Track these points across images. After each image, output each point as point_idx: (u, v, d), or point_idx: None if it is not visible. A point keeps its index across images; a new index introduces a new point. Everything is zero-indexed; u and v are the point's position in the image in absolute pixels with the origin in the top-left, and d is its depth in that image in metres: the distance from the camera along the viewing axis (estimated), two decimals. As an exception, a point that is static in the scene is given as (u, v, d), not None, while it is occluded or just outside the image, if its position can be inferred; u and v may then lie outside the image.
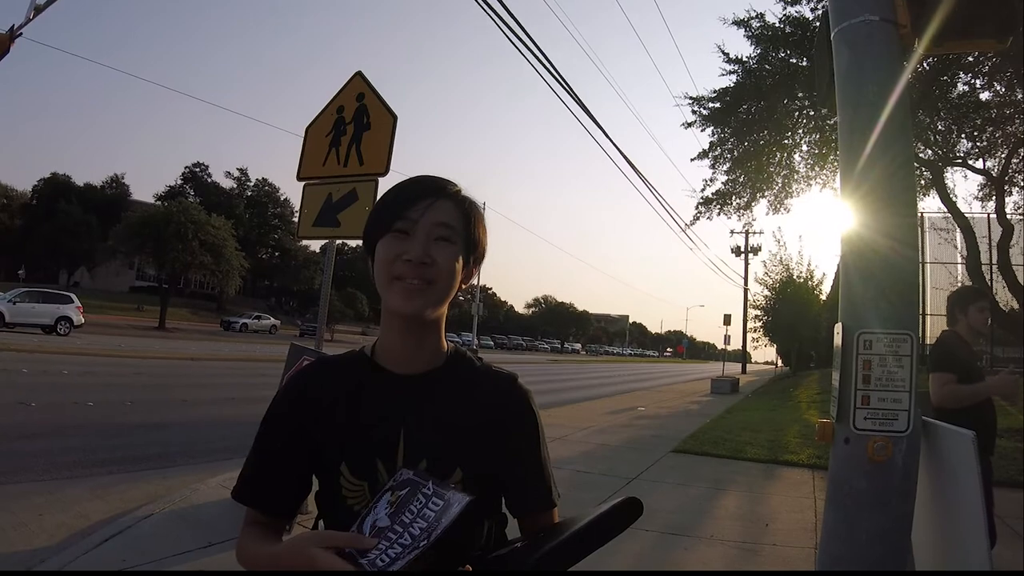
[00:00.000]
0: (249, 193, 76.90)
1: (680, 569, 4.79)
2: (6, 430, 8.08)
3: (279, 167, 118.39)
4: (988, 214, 14.57)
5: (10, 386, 11.23)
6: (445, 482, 1.11)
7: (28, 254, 56.64)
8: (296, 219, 5.93)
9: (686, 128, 14.58)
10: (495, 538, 1.32)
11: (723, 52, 13.38)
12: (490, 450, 1.27)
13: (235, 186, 76.22)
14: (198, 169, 74.41)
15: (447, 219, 1.25)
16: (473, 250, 1.32)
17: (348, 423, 1.25)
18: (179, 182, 72.73)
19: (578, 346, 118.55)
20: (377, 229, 1.27)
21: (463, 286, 1.33)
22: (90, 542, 4.53)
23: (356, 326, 60.36)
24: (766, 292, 38.15)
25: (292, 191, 78.05)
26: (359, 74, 5.57)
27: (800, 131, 13.95)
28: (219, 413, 11.16)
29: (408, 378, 1.29)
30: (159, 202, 57.69)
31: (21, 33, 6.98)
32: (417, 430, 1.24)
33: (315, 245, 64.89)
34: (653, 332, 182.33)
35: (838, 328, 2.81)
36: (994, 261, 13.42)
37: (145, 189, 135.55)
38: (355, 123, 5.42)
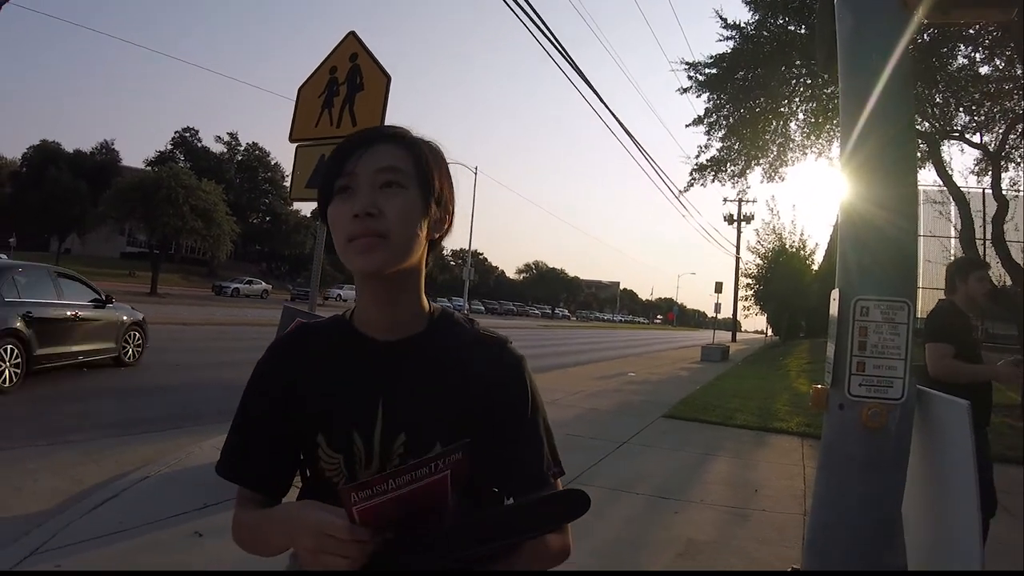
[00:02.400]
0: (240, 158, 76.04)
1: (671, 532, 4.84)
2: (2, 396, 8.08)
3: (270, 131, 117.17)
4: (983, 189, 14.53)
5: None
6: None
7: (18, 221, 56.11)
8: (287, 183, 5.89)
9: (682, 93, 14.49)
10: None
11: (721, 17, 13.24)
12: (476, 422, 1.17)
13: (225, 151, 75.28)
14: (188, 134, 73.45)
15: (390, 162, 1.14)
16: (431, 194, 1.17)
17: (326, 393, 1.18)
18: (169, 147, 71.77)
19: (566, 311, 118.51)
20: (325, 197, 1.17)
21: (437, 236, 1.22)
22: (86, 505, 4.53)
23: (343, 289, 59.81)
24: (758, 261, 38.28)
25: (283, 156, 77.45)
26: (352, 34, 5.50)
27: (797, 99, 13.88)
28: (212, 377, 11.14)
29: (388, 344, 1.19)
30: (149, 167, 57.05)
31: (9, -1, 6.84)
32: (396, 402, 1.16)
33: (306, 210, 64.61)
34: (644, 299, 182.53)
35: (835, 294, 2.81)
36: (988, 236, 13.43)
37: (135, 155, 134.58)
38: (348, 84, 5.36)
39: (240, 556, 1.28)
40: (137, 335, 12.02)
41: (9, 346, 8.60)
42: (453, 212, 1.26)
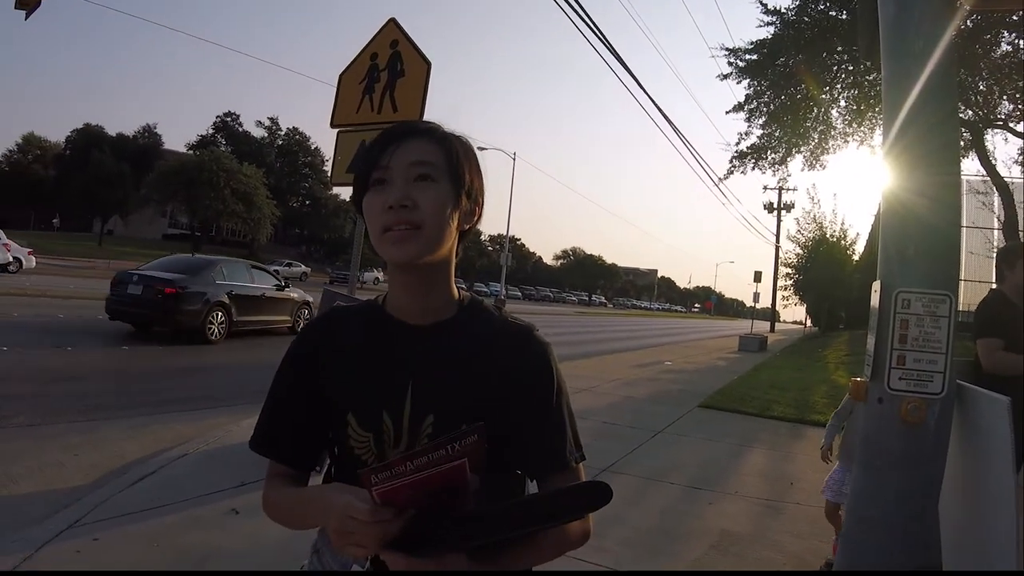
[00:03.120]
0: (280, 142, 76.85)
1: (705, 523, 4.83)
2: (44, 373, 8.28)
3: (310, 116, 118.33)
4: (1027, 180, 14.17)
5: (47, 331, 11.47)
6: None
7: (62, 203, 57.33)
8: (327, 168, 5.95)
9: (722, 80, 14.38)
10: None
11: (761, 3, 13.06)
12: (502, 406, 1.21)
13: (266, 135, 76.16)
14: (229, 119, 74.42)
15: (423, 156, 1.18)
16: (462, 187, 1.22)
17: (357, 373, 1.24)
18: (211, 131, 72.88)
19: (603, 298, 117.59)
20: (360, 189, 1.22)
21: (467, 227, 1.27)
22: (125, 480, 4.64)
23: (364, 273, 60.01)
24: (798, 250, 37.70)
25: (322, 140, 77.96)
26: (393, 20, 5.52)
27: (839, 86, 13.64)
28: (251, 357, 11.36)
29: (418, 328, 1.24)
30: (191, 151, 57.94)
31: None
32: (425, 383, 1.20)
33: (345, 194, 65.14)
34: (682, 287, 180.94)
35: (876, 286, 2.76)
36: (1032, 228, 13.10)
37: (177, 139, 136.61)
38: (389, 70, 5.39)
39: (276, 536, 1.32)
40: (306, 311, 15.50)
41: (219, 312, 12.96)
42: (483, 204, 1.30)
